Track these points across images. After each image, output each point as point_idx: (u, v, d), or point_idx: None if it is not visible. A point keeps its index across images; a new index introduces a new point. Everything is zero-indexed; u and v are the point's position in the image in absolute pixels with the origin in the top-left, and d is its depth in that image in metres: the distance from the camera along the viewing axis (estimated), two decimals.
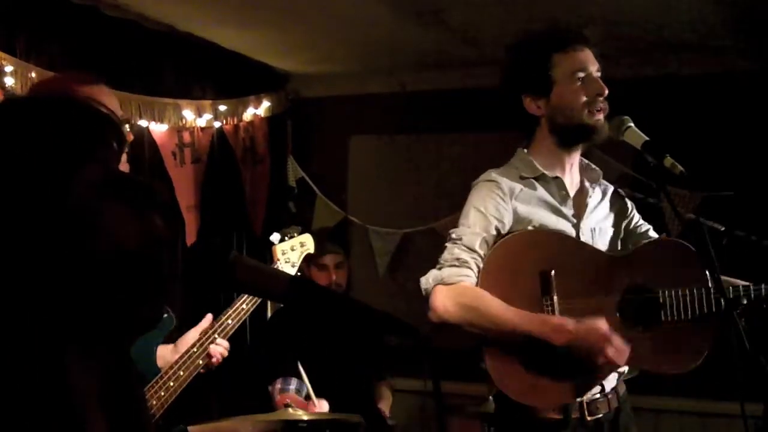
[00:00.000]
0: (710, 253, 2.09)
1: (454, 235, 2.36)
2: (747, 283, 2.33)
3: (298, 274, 2.91)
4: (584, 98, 2.36)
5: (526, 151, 2.50)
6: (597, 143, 2.45)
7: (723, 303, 2.15)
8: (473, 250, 2.32)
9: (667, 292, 2.34)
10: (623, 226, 2.57)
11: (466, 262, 2.30)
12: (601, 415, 2.37)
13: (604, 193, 2.57)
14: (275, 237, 2.89)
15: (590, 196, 2.50)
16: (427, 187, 4.95)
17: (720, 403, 3.99)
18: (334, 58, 4.71)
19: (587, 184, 2.51)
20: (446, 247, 2.37)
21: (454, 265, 2.30)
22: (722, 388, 3.13)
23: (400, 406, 4.19)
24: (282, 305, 4.10)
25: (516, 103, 2.45)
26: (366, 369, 3.86)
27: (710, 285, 2.31)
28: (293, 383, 3.63)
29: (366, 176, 5.18)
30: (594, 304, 2.32)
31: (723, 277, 2.18)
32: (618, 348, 2.22)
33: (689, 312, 2.33)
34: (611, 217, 2.55)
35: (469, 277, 2.30)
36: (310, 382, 3.33)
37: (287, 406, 2.92)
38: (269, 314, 4.50)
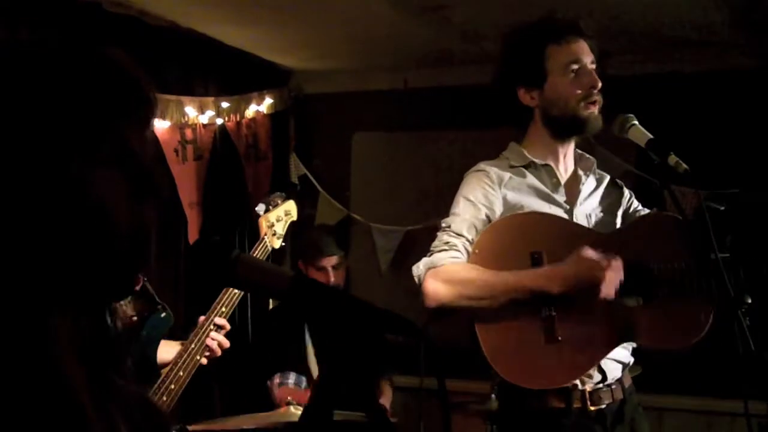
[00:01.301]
0: (714, 249, 2.08)
1: (443, 224, 2.41)
2: None
3: (283, 244, 2.86)
4: (578, 90, 2.36)
5: (516, 144, 2.52)
6: (590, 135, 2.45)
7: (727, 302, 2.14)
8: (460, 235, 2.34)
9: (660, 266, 2.32)
10: (620, 214, 2.55)
11: (455, 245, 2.33)
12: (604, 406, 2.34)
13: (599, 182, 2.56)
14: (260, 207, 2.83)
15: (583, 183, 2.50)
16: (430, 184, 4.93)
17: (724, 401, 3.98)
18: (336, 55, 4.70)
19: (581, 172, 2.51)
20: (436, 236, 2.41)
21: (443, 250, 2.33)
22: (726, 386, 3.13)
23: (399, 403, 4.18)
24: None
25: (510, 95, 2.45)
26: (368, 366, 3.85)
27: (697, 259, 2.26)
28: (291, 377, 3.63)
29: (368, 173, 5.17)
30: None
31: None
32: (613, 267, 2.19)
33: (684, 285, 2.28)
34: (606, 204, 2.54)
35: (457, 258, 2.31)
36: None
37: (289, 404, 2.91)
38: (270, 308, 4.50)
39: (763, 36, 3.95)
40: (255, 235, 4.62)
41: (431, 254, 2.36)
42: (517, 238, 2.34)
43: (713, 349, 2.32)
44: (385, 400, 3.89)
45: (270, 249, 2.77)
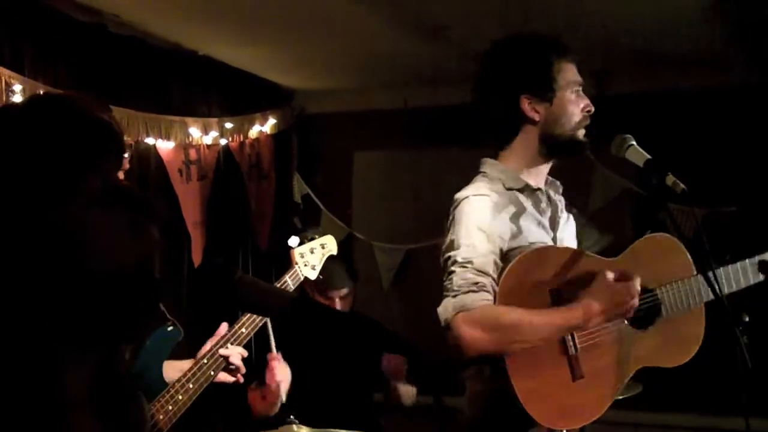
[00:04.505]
0: (711, 270, 2.10)
1: (460, 258, 2.17)
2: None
3: (320, 277, 2.86)
4: (580, 112, 2.30)
5: (497, 161, 2.38)
6: (577, 158, 2.38)
7: (725, 317, 2.15)
8: (487, 274, 2.15)
9: (664, 288, 2.34)
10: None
11: (484, 285, 2.13)
12: None
13: (565, 208, 2.49)
14: (293, 241, 2.82)
15: (561, 210, 2.44)
16: (430, 203, 4.95)
17: (724, 418, 3.97)
18: (337, 74, 4.75)
19: (555, 196, 2.44)
20: (453, 272, 2.16)
21: (473, 291, 2.12)
22: (726, 403, 3.13)
23: (400, 420, 4.18)
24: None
25: (506, 103, 2.30)
26: (366, 385, 3.84)
27: (696, 273, 2.34)
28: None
29: (370, 192, 5.20)
30: None
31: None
32: (633, 292, 2.18)
33: (687, 303, 2.34)
34: (571, 231, 2.50)
35: (488, 300, 2.12)
36: (313, 393, 3.32)
37: (291, 423, 2.92)
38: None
39: (761, 52, 3.97)
40: (259, 254, 4.71)
41: (457, 294, 2.12)
42: (536, 275, 2.21)
43: (714, 366, 2.33)
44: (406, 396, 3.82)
45: (301, 277, 2.79)
